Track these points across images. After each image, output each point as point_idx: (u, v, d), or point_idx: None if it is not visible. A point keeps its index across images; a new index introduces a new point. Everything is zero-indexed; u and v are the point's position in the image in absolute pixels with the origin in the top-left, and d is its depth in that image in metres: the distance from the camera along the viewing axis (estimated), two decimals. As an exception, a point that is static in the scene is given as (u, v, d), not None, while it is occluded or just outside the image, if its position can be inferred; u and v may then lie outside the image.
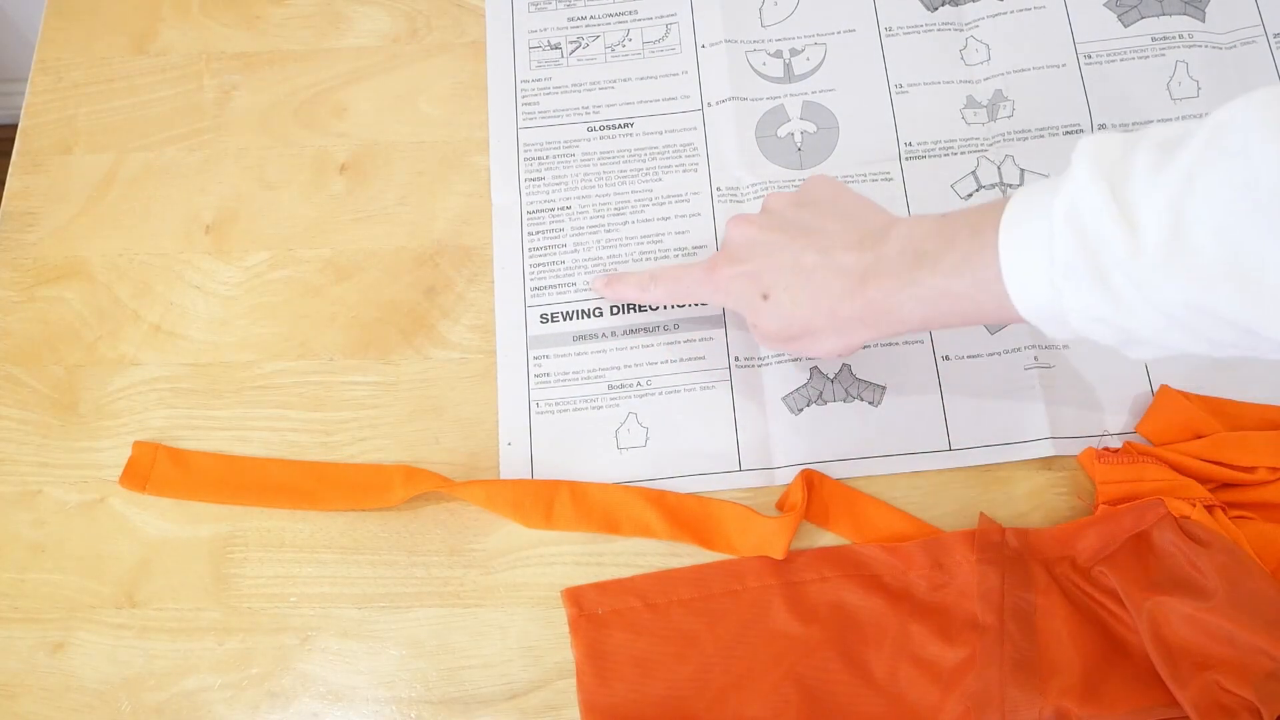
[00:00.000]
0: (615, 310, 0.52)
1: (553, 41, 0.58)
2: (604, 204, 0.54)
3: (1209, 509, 0.44)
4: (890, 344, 0.51)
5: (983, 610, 0.44)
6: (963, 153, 0.54)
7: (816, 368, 0.51)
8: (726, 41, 0.57)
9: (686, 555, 0.48)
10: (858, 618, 0.46)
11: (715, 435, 0.50)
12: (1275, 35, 0.55)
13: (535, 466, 0.50)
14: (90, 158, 0.57)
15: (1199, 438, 0.47)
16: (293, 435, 0.51)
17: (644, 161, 0.55)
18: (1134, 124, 0.54)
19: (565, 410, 0.51)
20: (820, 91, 0.56)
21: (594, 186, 0.55)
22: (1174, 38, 0.56)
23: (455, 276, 0.53)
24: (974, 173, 0.54)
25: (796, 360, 0.51)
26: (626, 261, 0.53)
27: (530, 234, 0.54)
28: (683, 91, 0.57)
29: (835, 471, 0.49)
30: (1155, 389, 0.49)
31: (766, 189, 0.54)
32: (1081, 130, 0.54)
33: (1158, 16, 0.56)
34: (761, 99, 0.56)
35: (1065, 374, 0.50)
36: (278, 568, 0.48)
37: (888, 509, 0.48)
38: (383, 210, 0.55)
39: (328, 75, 0.58)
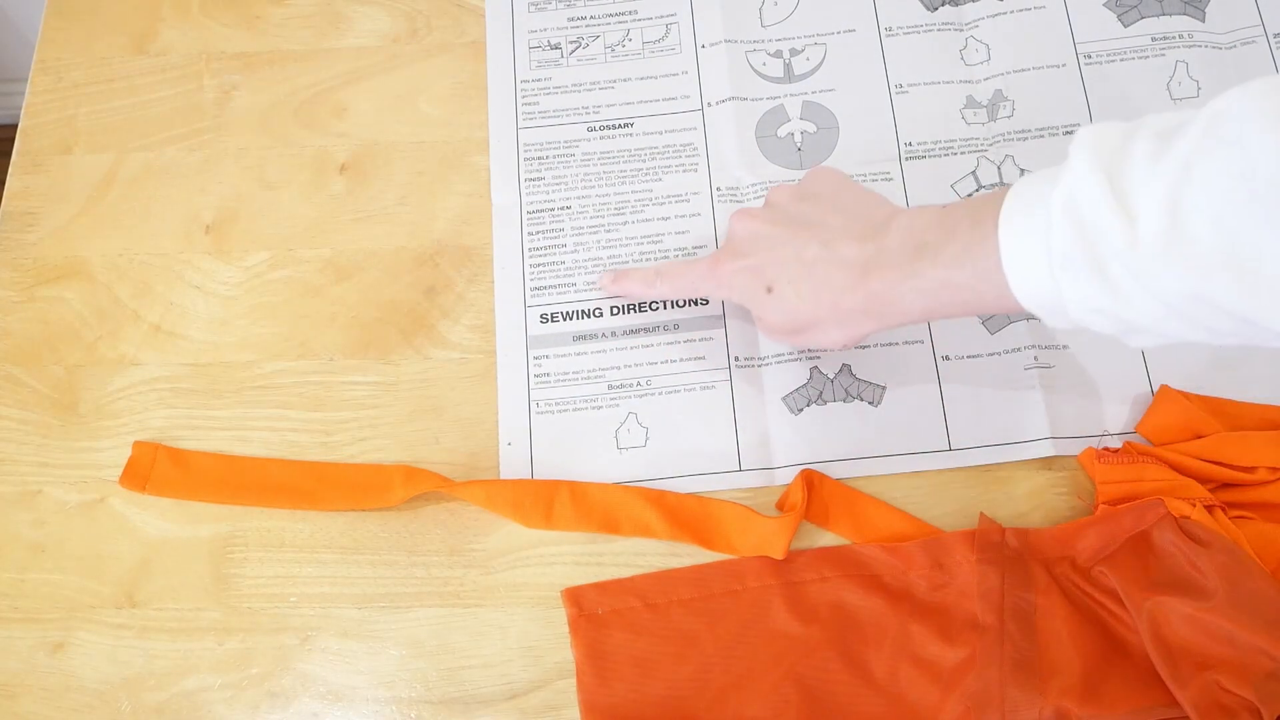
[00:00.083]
0: (615, 310, 0.52)
1: (553, 41, 0.58)
2: (604, 204, 0.55)
3: (1209, 509, 0.44)
4: (890, 344, 0.51)
5: (983, 610, 0.44)
6: (963, 153, 0.54)
7: (817, 367, 0.51)
8: (726, 41, 0.57)
9: (686, 555, 0.48)
10: (858, 618, 0.46)
11: (715, 435, 0.50)
12: (1275, 35, 0.55)
13: (535, 466, 0.50)
14: (90, 158, 0.57)
15: (1199, 438, 0.47)
16: (293, 435, 0.51)
17: (644, 161, 0.55)
18: (1134, 124, 0.54)
19: (565, 410, 0.51)
20: (820, 91, 0.56)
21: (594, 186, 0.55)
22: (1174, 38, 0.56)
23: (455, 276, 0.53)
24: (974, 173, 0.54)
25: (796, 360, 0.51)
26: (627, 262, 0.53)
27: (530, 234, 0.54)
28: (683, 91, 0.57)
29: (835, 471, 0.49)
30: (1155, 389, 0.49)
31: (766, 189, 0.54)
32: (1081, 130, 0.54)
33: (1158, 16, 0.56)
34: (761, 99, 0.56)
35: (1065, 374, 0.50)
36: (278, 568, 0.48)
37: (888, 509, 0.48)
38: (383, 210, 0.55)
39: (328, 75, 0.58)
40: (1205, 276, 0.30)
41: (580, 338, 0.52)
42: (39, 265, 0.54)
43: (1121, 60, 0.55)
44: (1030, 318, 0.51)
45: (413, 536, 0.49)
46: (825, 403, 0.50)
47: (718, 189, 0.55)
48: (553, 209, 0.55)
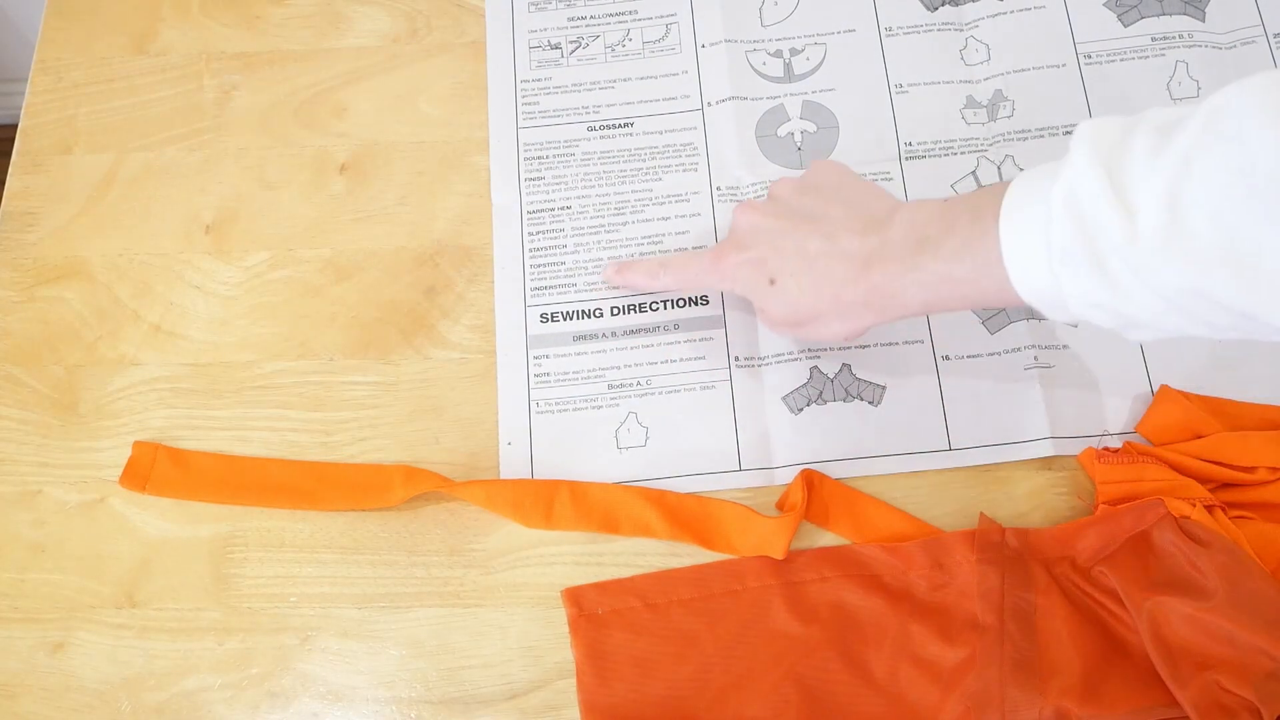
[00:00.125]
0: (615, 310, 0.52)
1: (553, 41, 0.58)
2: (604, 204, 0.55)
3: (1209, 509, 0.44)
4: (890, 344, 0.51)
5: (983, 610, 0.44)
6: (963, 153, 0.54)
7: (817, 367, 0.51)
8: (726, 41, 0.57)
9: (686, 555, 0.48)
10: (858, 618, 0.46)
11: (715, 435, 0.50)
12: (1275, 35, 0.55)
13: (535, 466, 0.50)
14: (90, 158, 0.57)
15: (1199, 438, 0.47)
16: (293, 435, 0.51)
17: (644, 161, 0.55)
18: (1134, 124, 0.54)
19: (565, 410, 0.51)
20: (820, 91, 0.56)
21: (594, 186, 0.55)
22: (1174, 38, 0.56)
23: (455, 276, 0.53)
24: (974, 173, 0.54)
25: (797, 360, 0.51)
26: (626, 261, 0.53)
27: (530, 234, 0.54)
28: (683, 91, 0.57)
29: (835, 471, 0.49)
30: (1155, 389, 0.49)
31: (766, 188, 0.54)
32: (1081, 130, 0.54)
33: (1158, 16, 0.56)
34: (761, 99, 0.56)
35: (1065, 374, 0.50)
36: (278, 568, 0.48)
37: (888, 509, 0.48)
38: (383, 210, 0.55)
39: (328, 75, 0.58)
40: (1204, 271, 0.30)
41: (580, 337, 0.52)
42: (39, 265, 0.54)
43: (1121, 60, 0.55)
44: (1031, 313, 0.51)
45: (413, 536, 0.49)
46: (825, 402, 0.50)
47: (718, 189, 0.55)
48: (553, 209, 0.55)
